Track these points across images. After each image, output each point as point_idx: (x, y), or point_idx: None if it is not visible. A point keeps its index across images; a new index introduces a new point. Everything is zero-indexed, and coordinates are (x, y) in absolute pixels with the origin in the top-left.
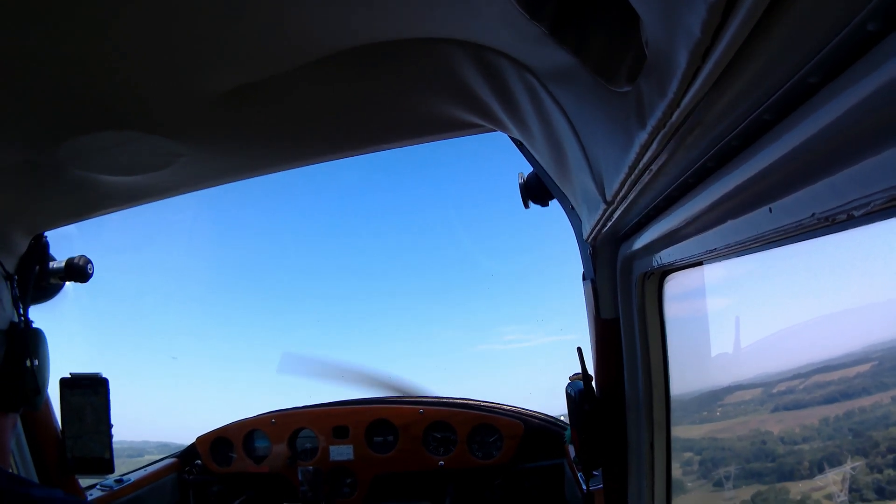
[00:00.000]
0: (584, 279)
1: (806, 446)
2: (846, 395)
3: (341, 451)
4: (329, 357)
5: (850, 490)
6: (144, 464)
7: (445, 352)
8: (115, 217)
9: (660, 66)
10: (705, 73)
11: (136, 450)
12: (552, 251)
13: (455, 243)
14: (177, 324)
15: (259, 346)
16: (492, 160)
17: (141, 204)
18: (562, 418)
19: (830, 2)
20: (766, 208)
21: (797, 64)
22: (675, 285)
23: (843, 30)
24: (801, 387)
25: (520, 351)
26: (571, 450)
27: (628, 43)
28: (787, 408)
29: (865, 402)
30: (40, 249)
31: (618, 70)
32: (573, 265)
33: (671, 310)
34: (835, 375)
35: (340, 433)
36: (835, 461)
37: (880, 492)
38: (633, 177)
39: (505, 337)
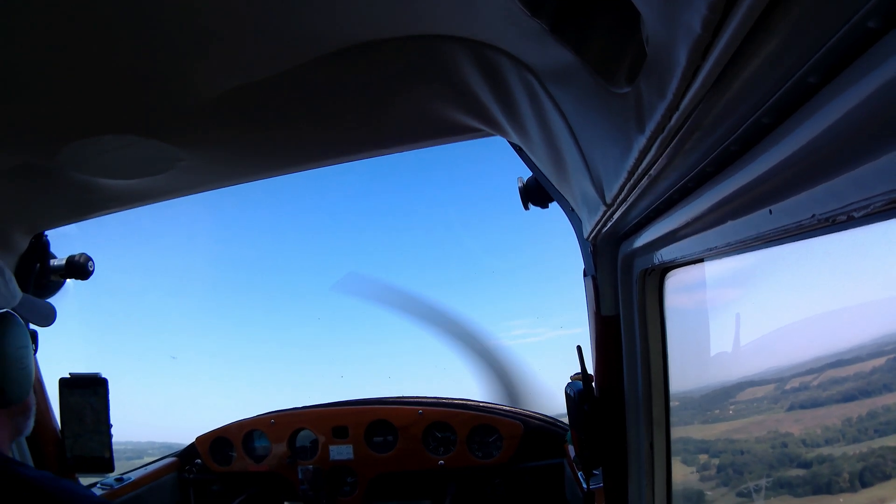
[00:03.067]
0: (584, 275)
1: (836, 451)
2: (865, 392)
3: (341, 451)
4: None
5: None
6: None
7: (451, 349)
8: (116, 216)
9: (660, 64)
10: (705, 72)
11: (140, 451)
12: (558, 245)
13: (458, 241)
14: (176, 324)
15: (260, 345)
16: (492, 164)
17: (141, 205)
18: (564, 419)
19: None
20: (766, 210)
21: (797, 62)
22: (679, 281)
23: (844, 26)
24: (815, 383)
25: (528, 346)
26: (571, 449)
27: (628, 41)
28: (803, 406)
29: (890, 399)
30: (41, 247)
31: (618, 69)
32: (577, 259)
33: (677, 306)
34: (850, 370)
35: (340, 433)
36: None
37: None
38: (632, 181)
39: (513, 332)
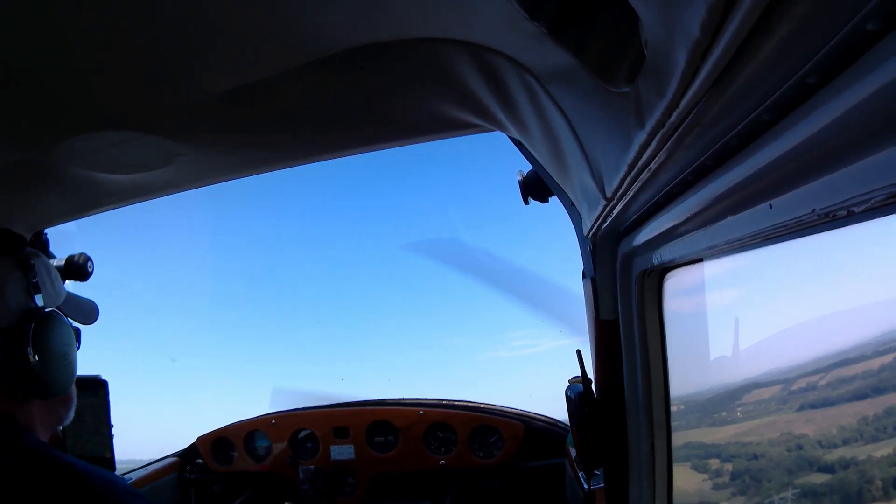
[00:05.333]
0: (584, 277)
1: (859, 453)
2: (878, 390)
3: (342, 451)
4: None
5: None
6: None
7: (451, 361)
8: (115, 214)
9: (659, 65)
10: (704, 73)
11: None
12: (559, 249)
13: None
14: (177, 325)
15: (260, 347)
16: (491, 160)
17: (141, 201)
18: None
19: (830, 1)
20: (766, 205)
21: (796, 63)
22: (679, 283)
23: (843, 29)
24: (822, 382)
25: (528, 357)
26: (573, 451)
27: (627, 43)
28: (814, 406)
29: None
30: (39, 247)
31: (617, 70)
32: (577, 264)
33: (677, 308)
34: (858, 368)
35: (341, 433)
36: None
37: None
38: (632, 174)
39: (513, 343)
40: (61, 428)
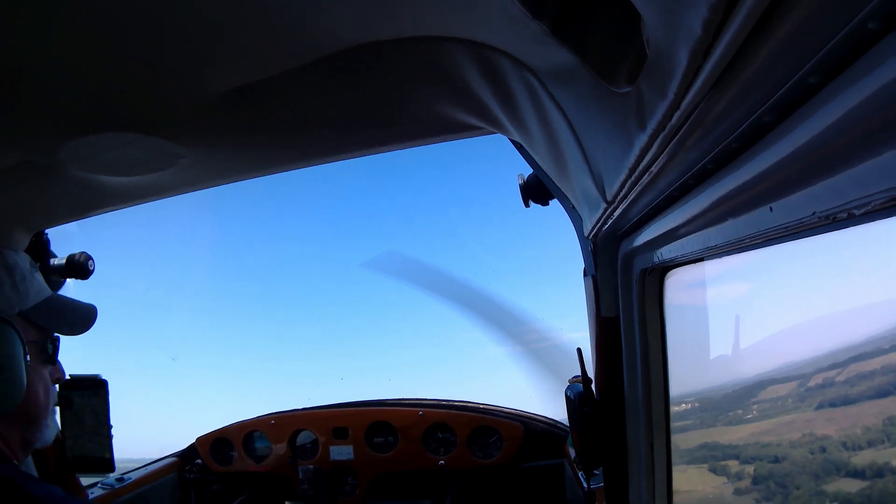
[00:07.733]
0: (584, 275)
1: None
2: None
3: (341, 452)
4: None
5: None
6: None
7: (459, 356)
8: (117, 215)
9: (661, 64)
10: (706, 73)
11: None
12: (561, 247)
13: (461, 245)
14: (178, 326)
15: (259, 347)
16: (493, 163)
17: (142, 203)
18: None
19: (831, 0)
20: (766, 207)
21: (797, 63)
22: (680, 281)
23: (844, 28)
24: (840, 378)
25: (539, 352)
26: (572, 451)
27: (629, 42)
28: (833, 404)
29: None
30: (41, 246)
31: (618, 69)
32: (578, 260)
33: (678, 306)
34: (876, 363)
35: (340, 434)
36: None
37: None
38: (632, 178)
39: (525, 337)
40: (60, 429)
